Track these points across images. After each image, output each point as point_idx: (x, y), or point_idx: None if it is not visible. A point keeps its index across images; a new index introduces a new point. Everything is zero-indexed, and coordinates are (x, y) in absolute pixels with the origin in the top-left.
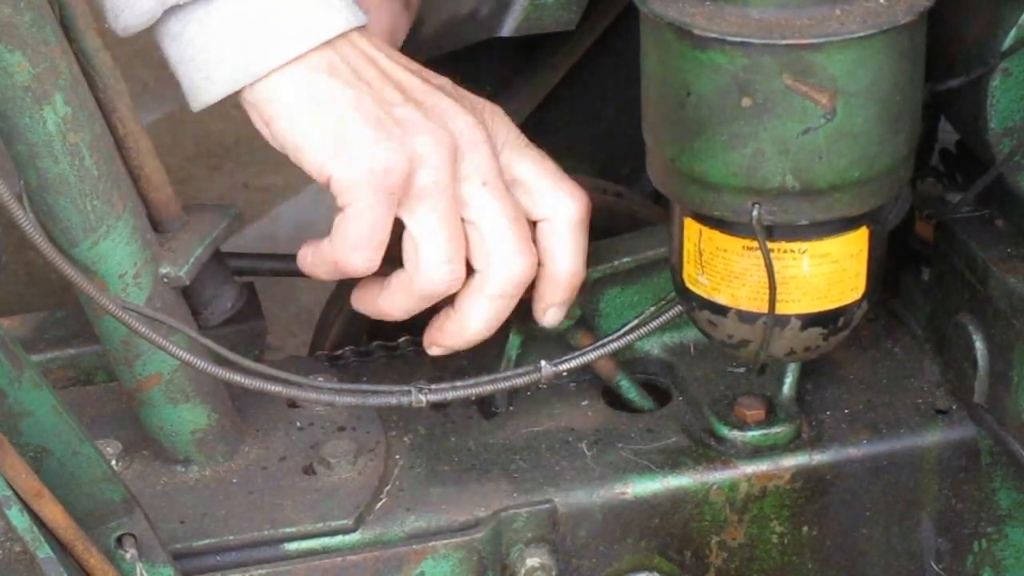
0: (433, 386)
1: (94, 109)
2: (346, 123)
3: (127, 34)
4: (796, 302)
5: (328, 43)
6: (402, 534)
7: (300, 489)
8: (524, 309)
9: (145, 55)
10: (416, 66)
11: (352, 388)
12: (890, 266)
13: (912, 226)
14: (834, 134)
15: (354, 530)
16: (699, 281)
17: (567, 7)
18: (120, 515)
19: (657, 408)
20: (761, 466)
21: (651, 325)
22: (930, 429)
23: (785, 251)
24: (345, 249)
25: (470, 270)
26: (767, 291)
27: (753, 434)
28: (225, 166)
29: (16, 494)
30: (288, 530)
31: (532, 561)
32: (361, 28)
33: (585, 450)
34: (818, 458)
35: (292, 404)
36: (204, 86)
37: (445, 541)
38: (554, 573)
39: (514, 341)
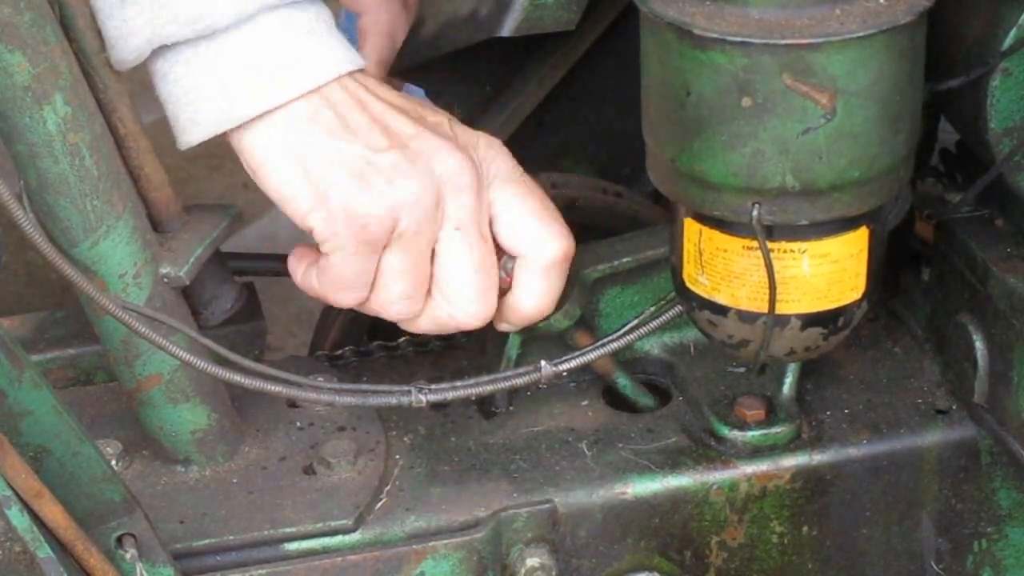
0: (433, 386)
1: (94, 109)
2: (326, 176)
3: (122, 68)
4: (796, 302)
5: (315, 90)
6: (402, 534)
7: (300, 489)
8: None
9: None
10: (412, 104)
11: (352, 388)
12: (890, 266)
13: (912, 226)
14: (834, 134)
15: (354, 530)
16: (699, 281)
17: (567, 7)
18: (120, 515)
19: (657, 407)
20: (761, 466)
21: (651, 325)
22: (930, 429)
23: (785, 251)
24: (333, 290)
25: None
26: (767, 291)
27: (753, 434)
28: (225, 166)
29: (16, 494)
30: (288, 530)
31: (532, 561)
32: (355, 71)
33: (585, 450)
34: (818, 458)
35: (292, 404)
36: (189, 128)
37: (445, 541)
38: (554, 573)
39: (514, 341)
